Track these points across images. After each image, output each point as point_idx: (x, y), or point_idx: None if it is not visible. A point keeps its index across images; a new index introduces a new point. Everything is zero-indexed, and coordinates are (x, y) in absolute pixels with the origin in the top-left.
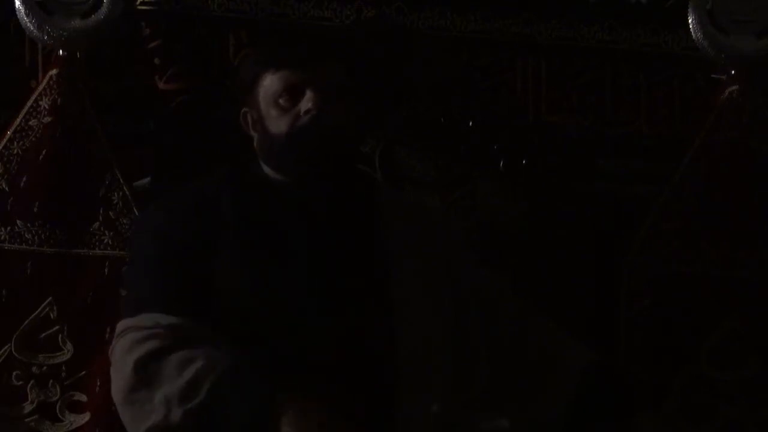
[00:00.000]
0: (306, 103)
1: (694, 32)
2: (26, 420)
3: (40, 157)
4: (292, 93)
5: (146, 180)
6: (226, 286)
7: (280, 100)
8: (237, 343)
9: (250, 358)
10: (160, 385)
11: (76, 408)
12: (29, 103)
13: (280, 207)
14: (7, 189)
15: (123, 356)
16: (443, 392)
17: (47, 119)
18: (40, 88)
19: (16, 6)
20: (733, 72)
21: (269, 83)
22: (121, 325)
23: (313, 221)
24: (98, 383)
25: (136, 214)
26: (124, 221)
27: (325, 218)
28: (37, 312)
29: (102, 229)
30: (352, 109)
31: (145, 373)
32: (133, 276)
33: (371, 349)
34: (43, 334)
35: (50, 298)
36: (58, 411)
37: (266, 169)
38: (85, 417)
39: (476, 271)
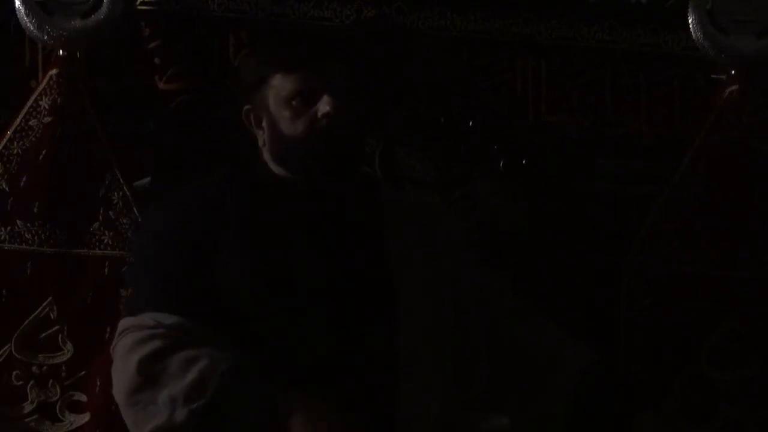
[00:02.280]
0: (324, 106)
1: (694, 32)
2: (26, 420)
3: (40, 157)
4: (305, 95)
5: (146, 180)
6: (227, 286)
7: (293, 102)
8: (238, 343)
9: (252, 358)
10: (164, 386)
11: (76, 408)
12: (29, 103)
13: (281, 206)
14: (7, 189)
15: (125, 356)
16: (443, 392)
17: (47, 119)
18: (40, 88)
19: (16, 6)
20: (733, 72)
21: (280, 84)
22: (122, 324)
23: (315, 221)
24: (98, 383)
25: (136, 214)
26: (124, 221)
27: (327, 218)
28: (37, 312)
29: (102, 229)
30: (353, 108)
31: (149, 373)
32: (134, 276)
33: (371, 349)
34: (43, 334)
35: (50, 298)
36: (58, 411)
37: (273, 167)
38: (85, 417)
39: (476, 271)
